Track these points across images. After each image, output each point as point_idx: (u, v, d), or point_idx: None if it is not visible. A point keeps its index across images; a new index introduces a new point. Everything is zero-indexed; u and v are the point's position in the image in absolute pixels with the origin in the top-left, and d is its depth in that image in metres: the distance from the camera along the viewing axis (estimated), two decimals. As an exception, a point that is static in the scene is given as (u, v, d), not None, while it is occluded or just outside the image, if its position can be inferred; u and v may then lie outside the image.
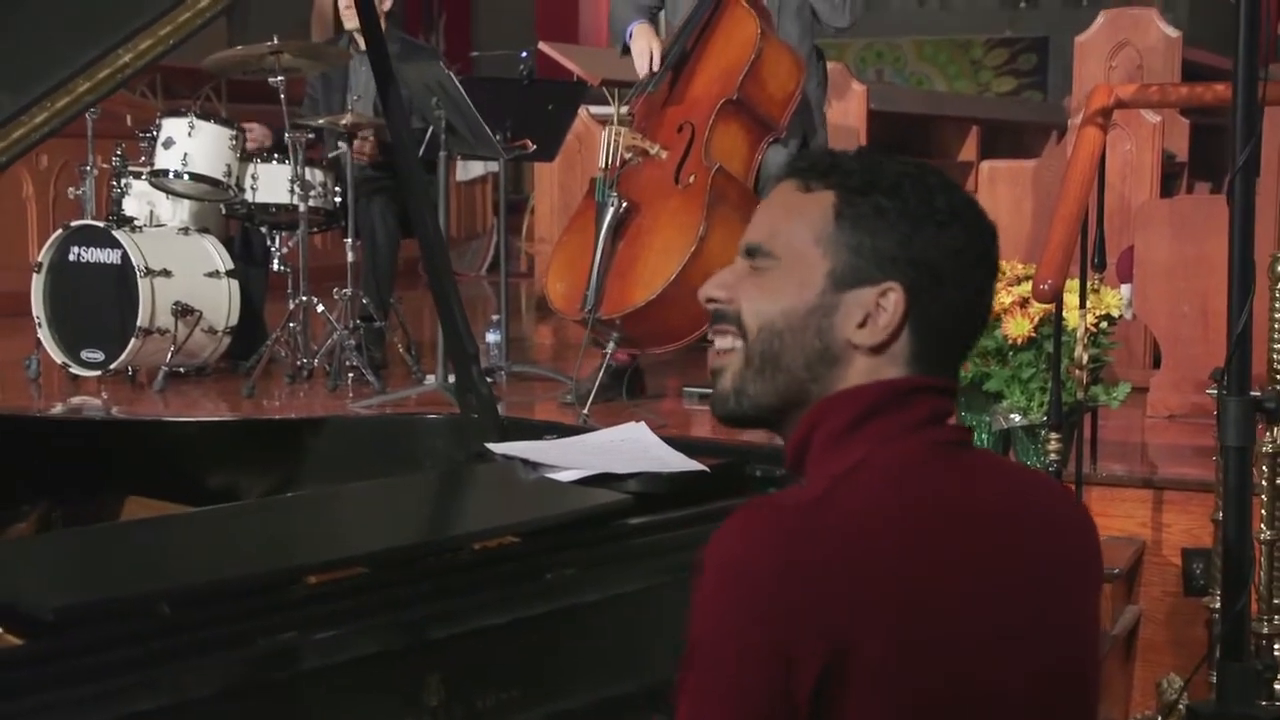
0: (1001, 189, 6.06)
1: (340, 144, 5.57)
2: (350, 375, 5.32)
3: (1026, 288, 3.77)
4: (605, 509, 1.96)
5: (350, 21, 5.79)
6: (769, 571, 1.28)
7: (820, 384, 1.42)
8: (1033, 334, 3.80)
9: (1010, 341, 3.82)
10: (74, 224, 5.51)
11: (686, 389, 5.11)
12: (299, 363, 5.46)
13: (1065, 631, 1.43)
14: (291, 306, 5.45)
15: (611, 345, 4.81)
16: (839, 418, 1.40)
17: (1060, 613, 1.42)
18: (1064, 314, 3.56)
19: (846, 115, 6.80)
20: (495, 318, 5.60)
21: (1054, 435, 3.47)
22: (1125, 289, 4.83)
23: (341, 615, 1.65)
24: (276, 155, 5.59)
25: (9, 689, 1.39)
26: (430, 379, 5.13)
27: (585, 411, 4.60)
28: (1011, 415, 3.88)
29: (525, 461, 2.17)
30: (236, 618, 1.59)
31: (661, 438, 2.28)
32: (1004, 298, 3.88)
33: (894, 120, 7.32)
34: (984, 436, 4.03)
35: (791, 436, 1.44)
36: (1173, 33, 6.15)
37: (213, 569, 1.73)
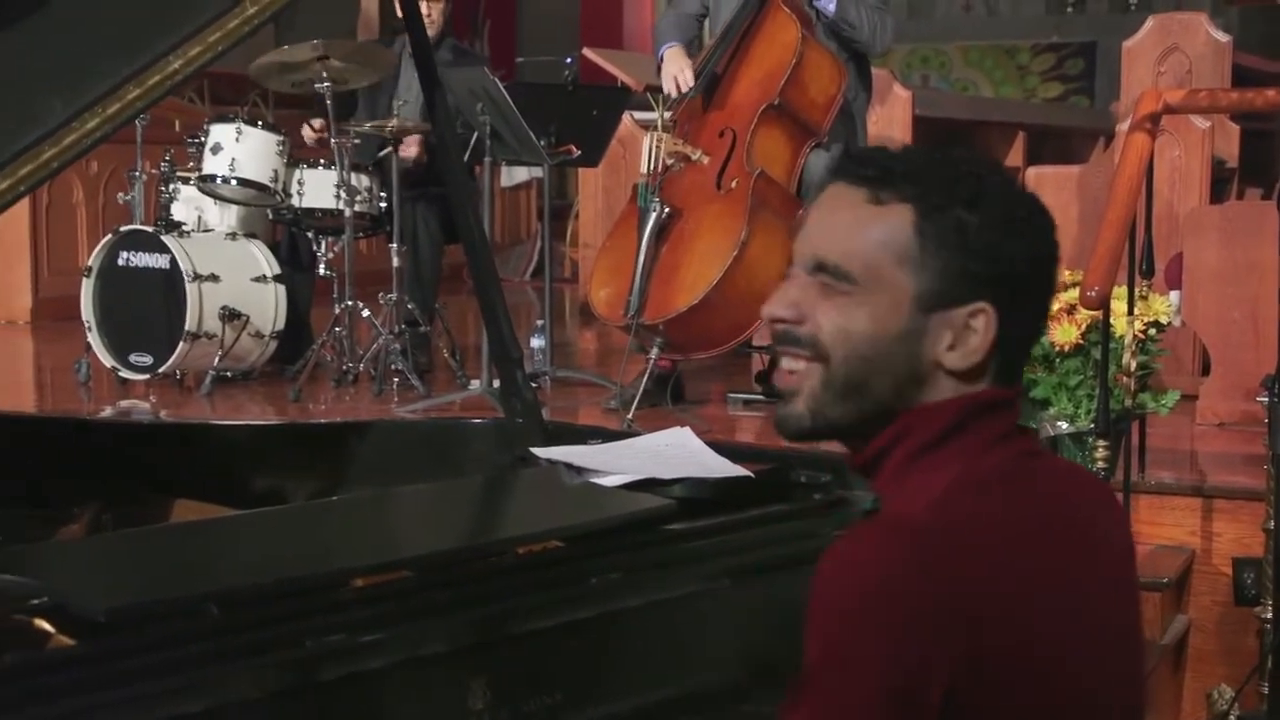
0: (1048, 195, 6.00)
1: (387, 147, 5.59)
2: (395, 380, 5.35)
3: (1074, 294, 3.74)
4: (649, 514, 1.96)
5: (433, 28, 5.80)
6: (901, 594, 1.25)
7: (906, 402, 1.38)
8: (1080, 341, 3.78)
9: (1057, 348, 3.80)
10: (123, 229, 5.56)
11: (731, 394, 5.10)
12: (344, 367, 5.49)
13: (1129, 631, 1.44)
14: (337, 311, 5.48)
15: (655, 350, 4.81)
16: (927, 431, 1.38)
17: (1125, 613, 1.44)
18: (1111, 321, 3.53)
19: (891, 121, 6.77)
20: (539, 323, 5.61)
21: (1102, 443, 3.45)
22: (1174, 296, 4.80)
23: (387, 618, 1.65)
24: (323, 160, 5.62)
25: (61, 689, 1.40)
26: (475, 384, 5.15)
27: (629, 416, 4.60)
28: (1059, 422, 3.85)
29: (569, 466, 2.17)
30: (284, 620, 1.60)
31: (706, 443, 2.28)
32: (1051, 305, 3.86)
33: (939, 126, 7.27)
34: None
35: (870, 445, 1.41)
36: (1222, 37, 6.10)
37: (260, 571, 1.74)
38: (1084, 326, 3.78)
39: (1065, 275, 4.05)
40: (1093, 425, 3.61)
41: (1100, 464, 3.44)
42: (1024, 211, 1.39)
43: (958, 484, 1.34)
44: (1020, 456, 1.40)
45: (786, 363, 1.41)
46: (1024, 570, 1.32)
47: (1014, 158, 7.59)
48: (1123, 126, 5.26)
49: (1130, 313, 3.65)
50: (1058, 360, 3.83)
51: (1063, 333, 3.78)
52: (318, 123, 5.80)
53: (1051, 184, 6.05)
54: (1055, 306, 3.82)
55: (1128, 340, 3.63)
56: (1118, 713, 1.41)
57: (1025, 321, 1.40)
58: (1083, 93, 13.20)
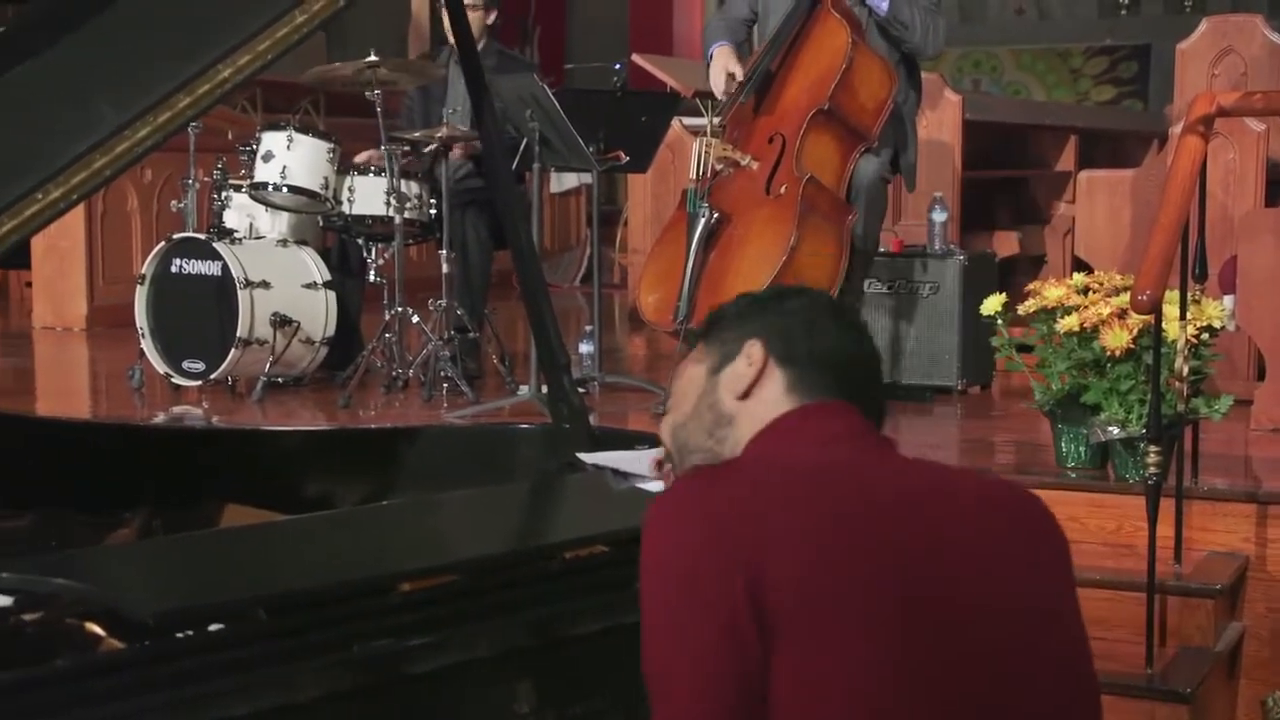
0: (1100, 199, 5.98)
1: (440, 161, 5.62)
2: (445, 385, 5.36)
3: (1124, 299, 3.72)
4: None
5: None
6: (697, 513, 1.47)
7: (722, 447, 1.64)
8: (1131, 345, 3.75)
9: (1108, 353, 3.77)
10: (176, 236, 5.61)
11: (779, 400, 5.08)
12: (394, 373, 5.51)
13: (1016, 613, 1.50)
14: (387, 317, 5.51)
15: (704, 356, 4.80)
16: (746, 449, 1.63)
17: (1004, 594, 1.50)
18: (1164, 325, 3.50)
19: (942, 126, 6.74)
20: (588, 328, 5.61)
21: (1153, 448, 3.41)
22: (1227, 300, 4.75)
23: (435, 622, 1.67)
24: (373, 168, 5.66)
25: (110, 692, 1.42)
26: (524, 389, 5.16)
27: (677, 422, 4.59)
28: (1109, 427, 3.83)
29: (616, 471, 2.18)
30: (332, 624, 1.61)
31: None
32: (1102, 309, 3.84)
33: (990, 130, 7.23)
34: (1081, 449, 3.98)
35: None
36: (1278, 39, 6.03)
37: (309, 576, 1.75)
38: (1136, 331, 3.75)
39: (1117, 279, 4.03)
40: (1144, 430, 3.57)
41: (1152, 469, 3.40)
42: (789, 298, 1.70)
43: (761, 436, 1.60)
44: (854, 449, 1.58)
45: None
46: (826, 510, 1.47)
47: (1065, 162, 7.55)
48: (1176, 129, 5.21)
49: (1183, 317, 3.61)
50: (1109, 365, 3.80)
51: (1114, 337, 3.75)
52: (368, 154, 5.84)
53: (1104, 188, 6.00)
54: (1106, 311, 3.80)
55: (1180, 345, 3.60)
56: (1018, 684, 1.47)
57: (813, 353, 1.63)
58: (1136, 96, 13.09)
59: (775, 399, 1.63)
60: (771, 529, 1.44)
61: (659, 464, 1.79)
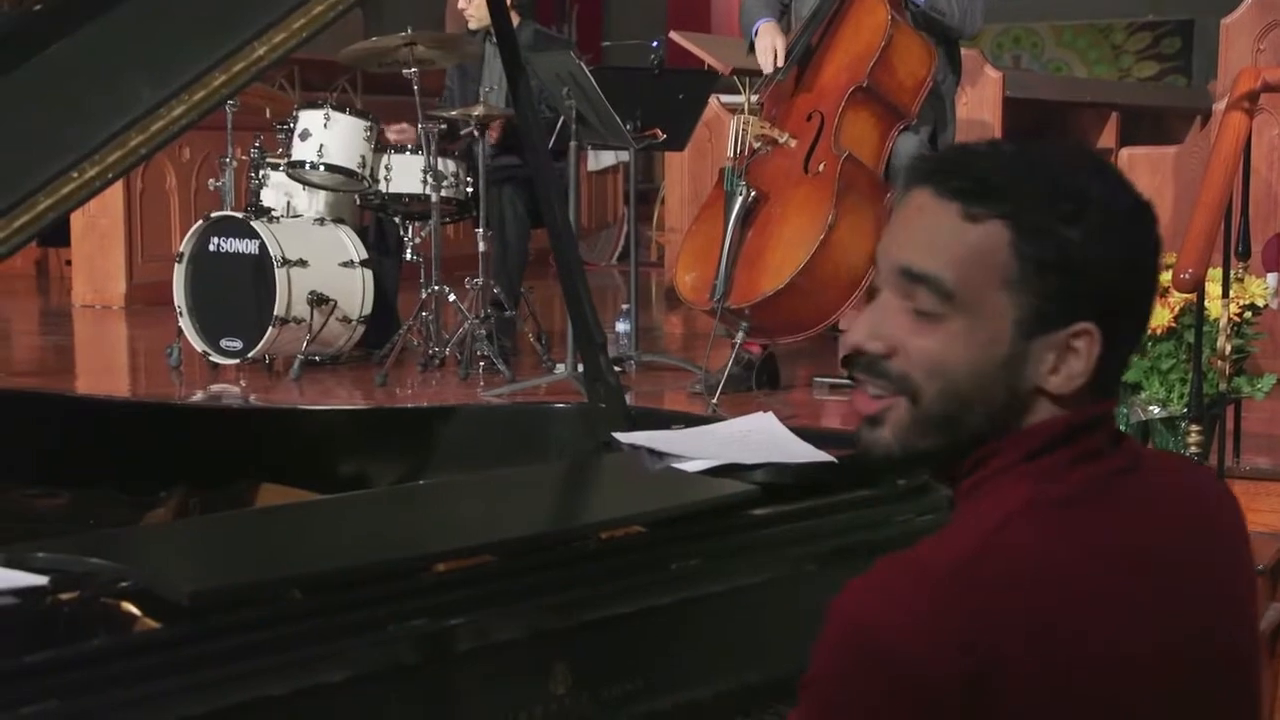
0: (1141, 176, 5.92)
1: (475, 136, 5.62)
2: (481, 364, 5.37)
3: (1166, 277, 3.68)
4: (731, 500, 1.95)
5: (474, 22, 5.84)
6: (904, 640, 1.18)
7: (999, 429, 1.30)
8: (1173, 324, 3.71)
9: (1149, 332, 3.74)
10: (214, 215, 5.63)
11: (817, 379, 5.07)
12: (431, 351, 5.52)
13: (1232, 651, 1.34)
14: (424, 296, 5.51)
15: (741, 335, 4.79)
16: (1013, 453, 1.30)
17: (1227, 632, 1.33)
18: (1206, 304, 3.47)
19: (981, 103, 6.69)
20: (625, 307, 5.60)
21: (1195, 428, 3.38)
22: (1271, 278, 4.71)
23: (470, 603, 1.66)
24: (410, 146, 5.65)
25: (145, 671, 1.42)
26: (560, 368, 5.16)
27: (714, 401, 4.59)
28: (1150, 407, 3.79)
29: (652, 451, 2.16)
30: (367, 604, 1.60)
31: (790, 428, 2.26)
32: (1143, 287, 3.80)
33: (1030, 107, 7.18)
34: (1122, 428, 3.95)
35: (960, 465, 1.33)
36: (1323, 13, 5.96)
37: (344, 556, 1.75)
38: (1177, 309, 3.71)
39: (1159, 258, 3.99)
40: (1185, 410, 3.54)
41: (1193, 449, 3.37)
42: (1125, 216, 1.30)
43: (1016, 513, 1.26)
44: (1108, 476, 1.30)
45: (872, 390, 1.32)
46: (1066, 606, 1.22)
47: (1107, 139, 7.48)
48: (1220, 105, 5.16)
49: (1225, 295, 3.58)
50: (1150, 344, 3.77)
51: (1155, 316, 3.71)
52: (398, 127, 5.85)
53: (1145, 165, 5.95)
54: (1148, 290, 3.76)
55: (1223, 323, 3.56)
56: None
57: (1129, 335, 1.33)
58: (1179, 72, 12.97)
59: (1081, 398, 1.30)
60: (1005, 673, 1.19)
61: (858, 349, 1.31)
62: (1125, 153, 6.20)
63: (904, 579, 1.22)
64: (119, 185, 7.39)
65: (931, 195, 1.30)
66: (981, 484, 1.31)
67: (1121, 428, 3.90)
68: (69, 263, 8.29)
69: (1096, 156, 1.35)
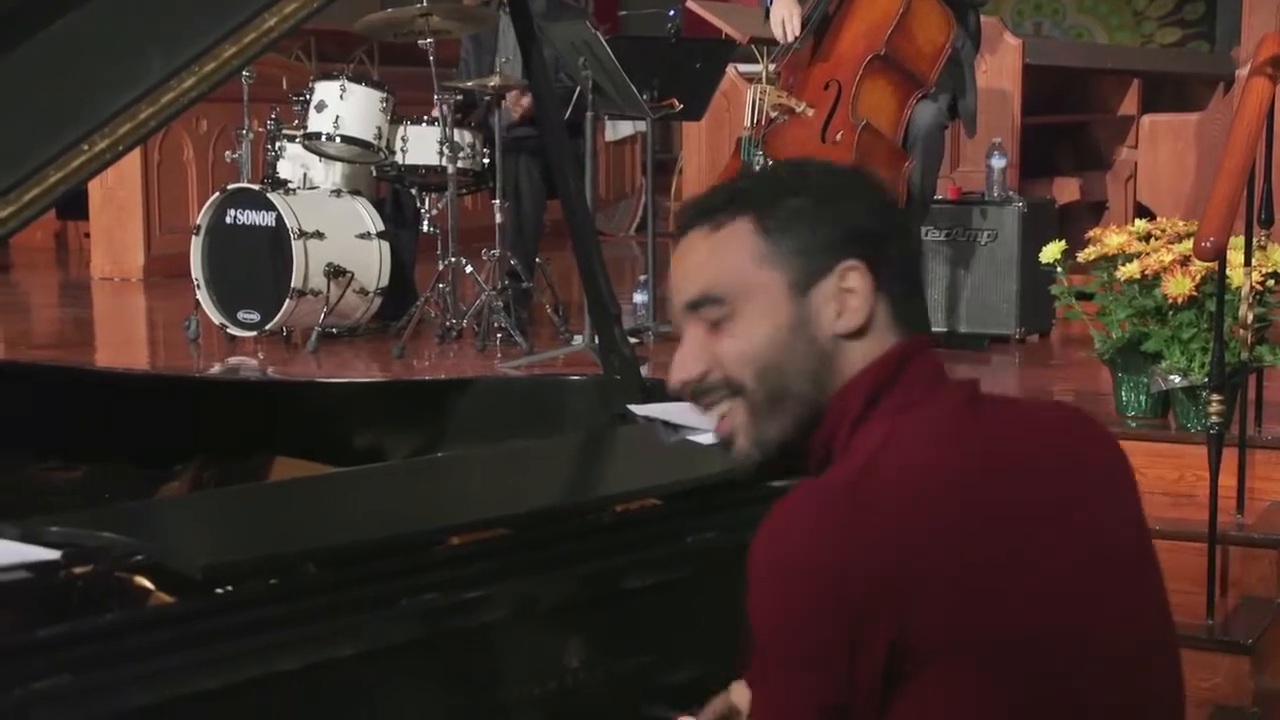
0: (1163, 143, 5.88)
1: (496, 110, 5.59)
2: (498, 336, 5.36)
3: (1187, 245, 3.65)
4: (746, 472, 1.93)
5: None
6: (826, 564, 1.27)
7: (825, 389, 1.41)
8: (1194, 293, 3.69)
9: (1170, 300, 3.71)
10: (231, 187, 5.62)
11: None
12: (448, 323, 5.51)
13: (1127, 557, 1.42)
14: (441, 267, 5.50)
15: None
16: (852, 407, 1.40)
17: (1116, 536, 1.41)
18: (1228, 272, 3.44)
19: (1001, 70, 6.64)
20: (642, 278, 5.58)
21: (1216, 397, 3.36)
22: (1293, 246, 4.66)
23: (484, 576, 1.66)
24: (425, 118, 5.63)
25: (158, 646, 1.42)
26: (577, 339, 5.15)
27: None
28: (1171, 376, 3.77)
29: (667, 423, 2.16)
30: (381, 578, 1.60)
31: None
32: (1164, 255, 3.77)
33: (1050, 74, 7.12)
34: (1142, 398, 3.93)
35: (814, 443, 1.43)
36: (1347, -22, 5.90)
37: (358, 529, 1.75)
38: (1199, 278, 3.68)
39: (1180, 225, 3.96)
40: (1207, 379, 3.52)
41: (1214, 418, 3.35)
42: (844, 176, 1.47)
43: (884, 443, 1.35)
44: (951, 404, 1.40)
45: (713, 412, 1.45)
46: (968, 518, 1.31)
47: (1129, 106, 7.42)
48: (1243, 72, 5.11)
49: (1248, 263, 3.55)
50: (1171, 313, 3.74)
51: (1176, 284, 3.69)
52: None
53: (1168, 132, 5.91)
54: (1169, 258, 3.73)
55: (1245, 292, 3.54)
56: (1133, 647, 1.38)
57: (903, 269, 1.44)
58: (1202, 38, 12.84)
59: (880, 337, 1.41)
60: (916, 572, 1.28)
61: (686, 384, 1.44)
62: (1147, 120, 6.15)
63: (799, 507, 1.31)
64: (136, 157, 7.40)
65: (685, 236, 1.47)
66: (846, 444, 1.40)
67: (1142, 397, 3.91)
68: (88, 235, 8.30)
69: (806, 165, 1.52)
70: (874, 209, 1.44)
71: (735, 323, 1.41)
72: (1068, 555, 1.36)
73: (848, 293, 1.40)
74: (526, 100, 5.67)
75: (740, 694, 1.64)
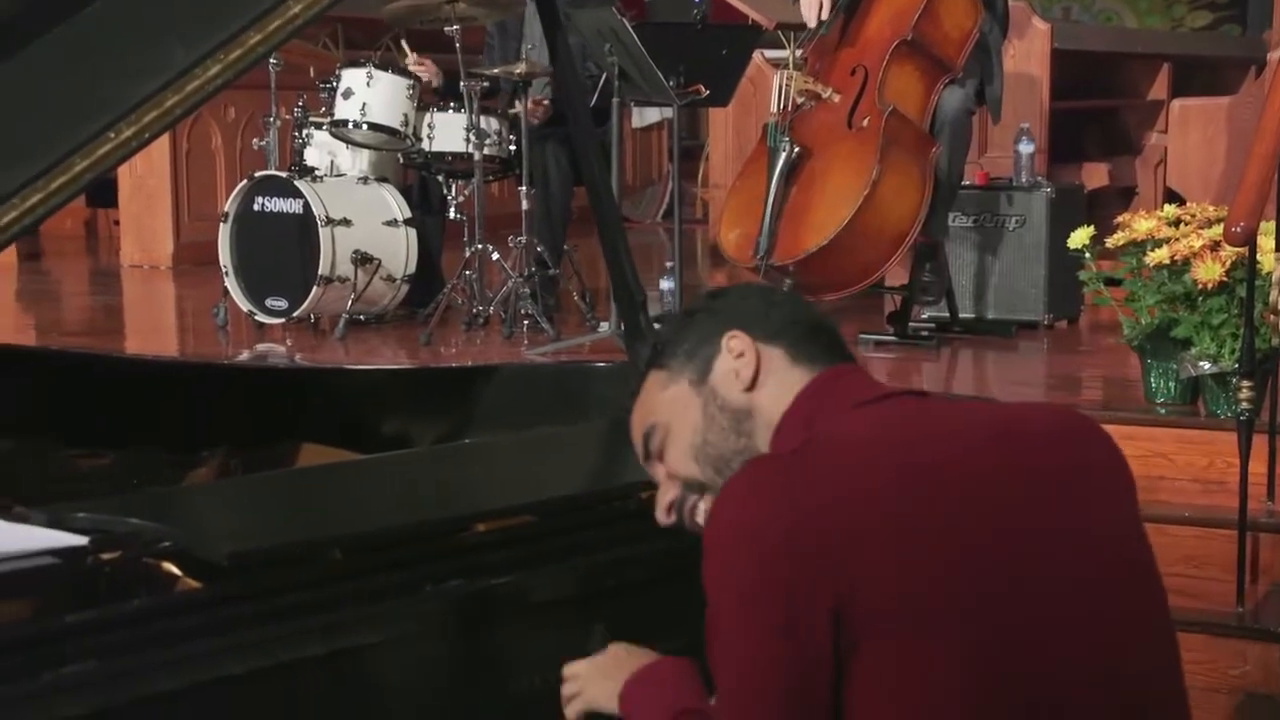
0: (1193, 128, 5.84)
1: (516, 103, 5.59)
2: (525, 322, 5.36)
3: (1218, 231, 3.63)
4: (774, 459, 1.93)
5: None
6: (769, 525, 1.38)
7: (757, 436, 1.56)
8: (1224, 279, 3.66)
9: (1200, 286, 3.69)
10: (258, 174, 5.64)
11: (862, 335, 5.04)
12: (475, 310, 5.52)
13: (1111, 551, 1.46)
14: (467, 254, 5.51)
15: (785, 292, 4.76)
16: (782, 444, 1.54)
17: (1081, 519, 1.46)
18: (1258, 257, 3.41)
19: (1029, 55, 6.59)
20: (669, 265, 5.57)
21: (1246, 384, 3.34)
22: (1325, 231, 4.62)
23: (509, 563, 1.66)
24: (453, 104, 5.63)
25: (184, 632, 1.42)
26: (604, 326, 5.15)
27: (758, 358, 4.56)
28: (1200, 363, 3.75)
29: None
30: (406, 564, 1.60)
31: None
32: (1194, 241, 3.75)
33: (1079, 59, 7.07)
34: (1171, 384, 3.91)
35: None
36: (1381, -40, 5.84)
37: (384, 516, 1.75)
38: (1229, 263, 3.66)
39: (1210, 210, 3.93)
40: (1237, 365, 3.49)
41: (1244, 405, 3.33)
42: (729, 293, 1.67)
43: (827, 431, 1.49)
44: (889, 407, 1.52)
45: (699, 514, 1.60)
46: (901, 488, 1.40)
47: (1159, 90, 7.36)
48: (1275, 55, 5.07)
49: (1278, 249, 3.52)
50: (1200, 299, 3.72)
51: (1206, 270, 3.67)
52: (428, 65, 5.80)
53: (1197, 117, 5.86)
54: (1198, 243, 3.71)
55: (1276, 277, 3.51)
56: (1106, 608, 1.42)
57: (777, 318, 1.60)
58: (1234, 21, 12.74)
59: (784, 376, 1.57)
60: (861, 530, 1.37)
61: (669, 509, 1.63)
62: (1177, 104, 6.11)
63: (745, 480, 1.45)
64: (165, 145, 7.42)
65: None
66: None
67: (1171, 384, 3.88)
68: (117, 223, 8.33)
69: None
70: (744, 295, 1.65)
71: (670, 439, 1.61)
72: (1023, 537, 1.41)
73: (739, 357, 1.58)
74: (546, 104, 5.67)
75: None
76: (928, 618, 1.35)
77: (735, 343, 1.58)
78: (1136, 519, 1.52)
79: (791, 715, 1.37)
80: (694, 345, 1.61)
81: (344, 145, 5.76)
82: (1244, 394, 3.33)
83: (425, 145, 5.61)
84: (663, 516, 1.63)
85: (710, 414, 1.58)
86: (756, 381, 1.57)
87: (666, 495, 1.62)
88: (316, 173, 5.64)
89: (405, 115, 5.58)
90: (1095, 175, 6.80)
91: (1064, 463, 1.49)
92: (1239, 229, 3.24)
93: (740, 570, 1.39)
